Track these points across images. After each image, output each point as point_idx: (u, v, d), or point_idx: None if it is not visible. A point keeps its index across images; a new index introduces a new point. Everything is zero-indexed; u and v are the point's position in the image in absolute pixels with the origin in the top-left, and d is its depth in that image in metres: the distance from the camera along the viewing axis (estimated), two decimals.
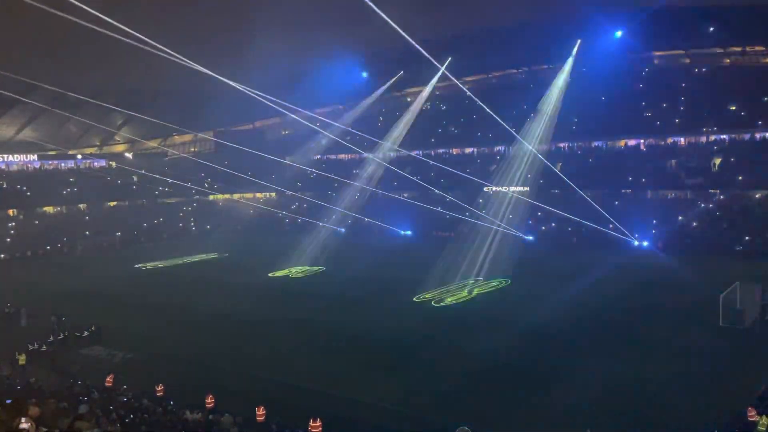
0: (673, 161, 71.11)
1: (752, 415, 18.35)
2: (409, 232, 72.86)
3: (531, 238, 64.56)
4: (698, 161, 69.03)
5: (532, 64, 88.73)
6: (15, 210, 79.53)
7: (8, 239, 70.38)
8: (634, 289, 42.40)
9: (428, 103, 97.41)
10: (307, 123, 73.00)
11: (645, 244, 58.34)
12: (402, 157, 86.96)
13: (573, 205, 63.72)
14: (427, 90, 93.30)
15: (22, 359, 28.79)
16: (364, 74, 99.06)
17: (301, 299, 42.28)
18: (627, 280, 45.34)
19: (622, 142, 78.51)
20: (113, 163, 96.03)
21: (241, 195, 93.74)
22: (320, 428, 19.76)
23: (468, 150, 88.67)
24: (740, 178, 63.31)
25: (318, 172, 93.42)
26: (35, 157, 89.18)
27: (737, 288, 32.10)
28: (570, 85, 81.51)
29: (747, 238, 56.11)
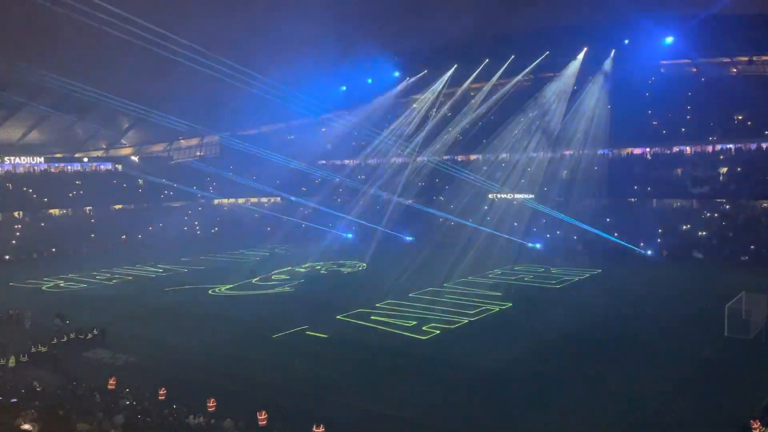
0: (680, 170, 70.92)
1: (756, 426, 18.19)
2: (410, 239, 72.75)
3: (539, 245, 64.40)
4: (704, 170, 68.80)
5: (538, 72, 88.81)
6: (21, 212, 79.82)
7: (14, 241, 70.62)
8: (638, 297, 42.30)
9: (433, 110, 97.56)
10: (312, 128, 73.24)
11: (650, 252, 58.19)
12: (408, 163, 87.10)
13: (578, 213, 63.75)
14: (432, 96, 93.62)
15: (11, 362, 28.67)
16: (369, 80, 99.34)
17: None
18: (631, 289, 45.31)
19: (627, 151, 78.41)
20: (119, 167, 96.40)
21: (247, 199, 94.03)
22: None
23: (473, 157, 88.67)
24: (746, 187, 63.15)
25: (323, 177, 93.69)
26: (42, 159, 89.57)
27: (743, 298, 31.93)
28: (576, 93, 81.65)
29: (752, 247, 55.89)
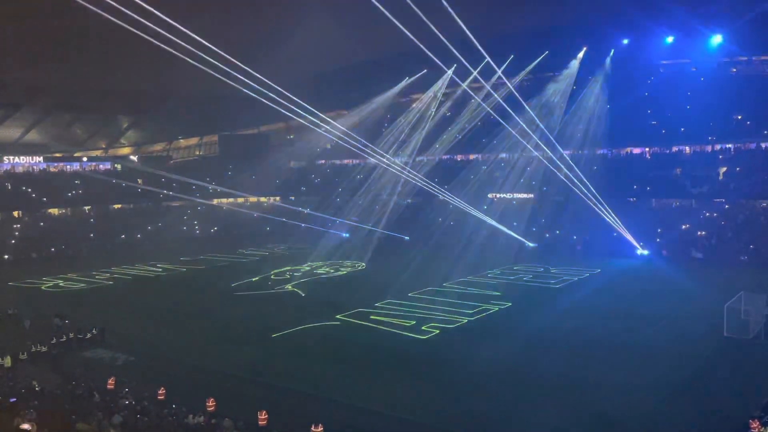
0: (678, 170, 70.99)
1: (755, 426, 18.19)
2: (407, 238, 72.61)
3: (535, 245, 64.49)
4: (703, 170, 68.85)
5: (537, 72, 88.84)
6: (20, 212, 79.73)
7: (13, 241, 70.56)
8: (637, 297, 42.32)
9: (433, 109, 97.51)
10: (311, 127, 73.22)
11: (647, 252, 58.20)
12: (407, 163, 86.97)
13: (577, 213, 63.77)
14: (431, 95, 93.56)
15: (7, 362, 28.61)
16: (371, 79, 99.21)
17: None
18: (631, 288, 45.32)
19: (626, 150, 78.43)
20: (118, 166, 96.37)
21: (246, 199, 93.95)
22: None
23: (472, 156, 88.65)
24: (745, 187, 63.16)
25: (321, 177, 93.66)
26: (41, 159, 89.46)
27: (742, 298, 31.94)
28: (575, 92, 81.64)
29: (752, 247, 55.91)
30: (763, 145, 68.13)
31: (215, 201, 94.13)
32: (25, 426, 8.23)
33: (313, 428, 19.71)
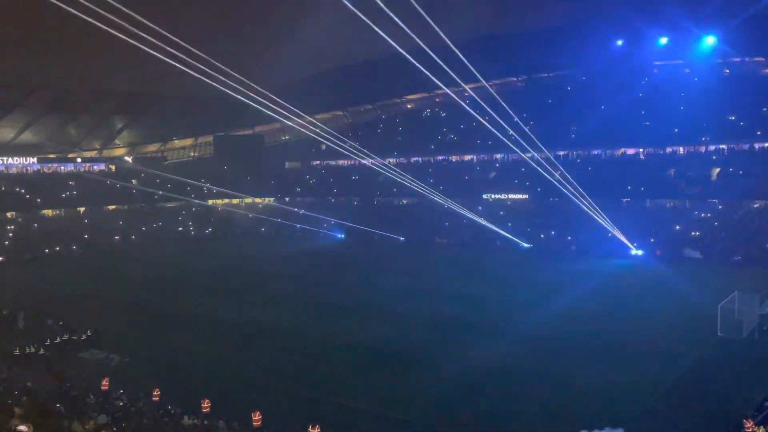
0: (672, 170, 71.24)
1: (749, 426, 18.27)
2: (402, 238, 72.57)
3: (530, 245, 64.65)
4: (697, 170, 69.12)
5: (531, 72, 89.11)
6: (14, 213, 79.35)
7: (7, 242, 70.22)
8: (631, 297, 42.40)
9: (428, 110, 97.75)
10: (306, 129, 73.28)
11: (641, 252, 58.38)
12: (401, 164, 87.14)
13: (571, 213, 63.91)
14: (426, 95, 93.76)
15: None
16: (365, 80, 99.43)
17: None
18: (624, 289, 45.41)
19: (621, 151, 78.69)
20: (113, 167, 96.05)
21: (241, 200, 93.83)
22: None
23: (467, 157, 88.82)
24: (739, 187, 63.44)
25: (317, 178, 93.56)
26: (35, 160, 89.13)
27: (736, 298, 32.05)
28: (569, 93, 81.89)
29: (745, 247, 56.14)
30: (757, 146, 68.46)
31: (210, 202, 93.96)
32: (22, 428, 8.22)
33: (310, 429, 19.66)
